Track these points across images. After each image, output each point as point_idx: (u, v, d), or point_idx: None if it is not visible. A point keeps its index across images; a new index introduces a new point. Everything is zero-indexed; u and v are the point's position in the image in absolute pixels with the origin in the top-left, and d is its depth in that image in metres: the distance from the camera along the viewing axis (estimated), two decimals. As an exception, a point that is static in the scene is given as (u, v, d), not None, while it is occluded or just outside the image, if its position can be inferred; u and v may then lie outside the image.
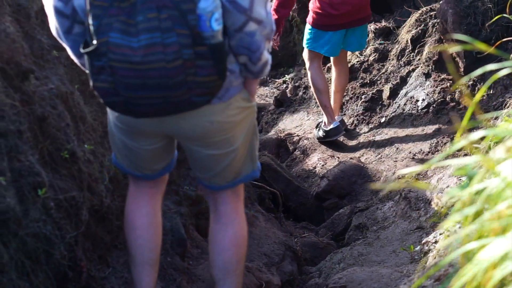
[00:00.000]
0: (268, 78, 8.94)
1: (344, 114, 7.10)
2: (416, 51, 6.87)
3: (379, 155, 6.23)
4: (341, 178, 5.88)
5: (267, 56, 2.91)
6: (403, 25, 7.20)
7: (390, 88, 6.86)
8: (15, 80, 2.83)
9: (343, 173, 5.92)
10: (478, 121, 2.16)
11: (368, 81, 7.23)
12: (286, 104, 8.10)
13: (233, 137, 3.00)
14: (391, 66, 7.05)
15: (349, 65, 7.26)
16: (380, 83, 7.08)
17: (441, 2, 6.41)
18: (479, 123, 4.18)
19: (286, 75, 8.83)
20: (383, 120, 6.71)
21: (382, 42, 7.41)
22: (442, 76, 6.35)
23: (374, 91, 7.04)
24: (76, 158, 3.12)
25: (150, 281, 3.21)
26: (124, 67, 2.59)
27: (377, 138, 6.52)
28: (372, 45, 7.41)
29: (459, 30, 6.09)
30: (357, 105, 7.11)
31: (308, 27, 6.48)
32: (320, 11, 6.22)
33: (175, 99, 2.69)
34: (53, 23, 2.81)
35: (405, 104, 6.64)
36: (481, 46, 1.66)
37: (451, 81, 6.28)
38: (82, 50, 2.64)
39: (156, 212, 3.27)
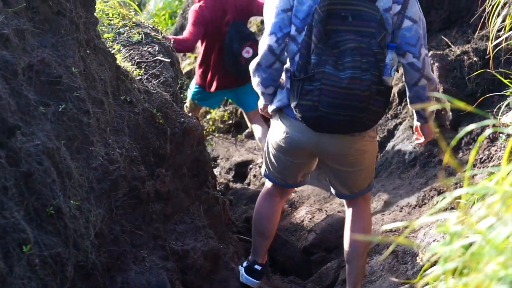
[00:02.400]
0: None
1: None
2: (403, 104, 6.92)
3: (367, 208, 6.22)
4: (328, 231, 5.86)
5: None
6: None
7: (378, 141, 6.89)
8: (1, 136, 2.84)
9: (331, 226, 5.90)
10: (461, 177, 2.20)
11: (356, 134, 7.25)
12: (274, 157, 8.11)
13: (362, 159, 4.22)
14: (378, 120, 7.09)
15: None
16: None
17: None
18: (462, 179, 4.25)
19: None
20: (371, 172, 6.72)
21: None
22: (429, 129, 6.39)
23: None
24: (61, 214, 3.11)
25: (263, 246, 4.79)
26: (332, 90, 3.73)
27: (365, 191, 6.51)
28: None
29: (445, 83, 6.17)
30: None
31: None
32: None
33: (356, 119, 3.82)
34: (259, 58, 4.09)
35: (392, 157, 6.66)
36: (460, 104, 1.69)
37: (438, 134, 6.32)
38: (296, 78, 3.86)
39: (277, 212, 4.76)
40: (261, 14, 6.54)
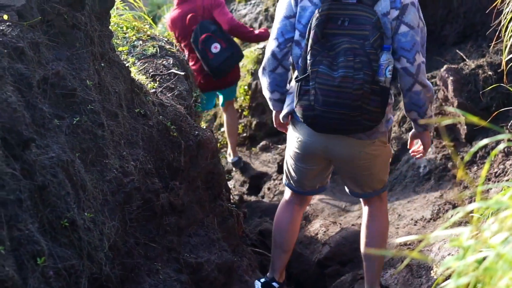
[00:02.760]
0: (270, 144, 8.98)
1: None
2: (417, 117, 6.90)
3: (381, 222, 6.21)
4: (343, 245, 5.84)
5: (430, 113, 4.18)
6: (404, 92, 7.24)
7: (392, 154, 6.87)
8: (16, 149, 2.85)
9: (345, 239, 5.89)
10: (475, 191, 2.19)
11: (371, 147, 7.24)
12: (288, 170, 8.12)
13: (374, 164, 4.35)
14: (393, 133, 7.07)
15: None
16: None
17: (441, 69, 6.46)
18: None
19: (288, 141, 8.85)
20: (385, 186, 6.71)
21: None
22: (444, 143, 6.38)
23: (376, 157, 7.06)
24: (76, 226, 3.12)
25: (282, 261, 4.84)
26: (325, 88, 3.85)
27: (379, 204, 6.50)
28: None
29: (460, 97, 6.15)
30: (359, 171, 7.12)
31: None
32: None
33: (351, 118, 3.88)
34: (264, 62, 4.29)
35: (407, 171, 6.65)
36: (474, 119, 1.69)
37: (452, 147, 6.30)
38: (296, 79, 4.03)
39: (296, 221, 4.82)
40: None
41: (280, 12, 4.16)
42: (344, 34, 3.87)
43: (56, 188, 3.05)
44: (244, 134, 9.48)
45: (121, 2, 5.88)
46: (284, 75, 4.28)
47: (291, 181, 4.66)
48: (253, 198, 7.90)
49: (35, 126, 3.10)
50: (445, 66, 6.41)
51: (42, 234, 2.90)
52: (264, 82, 4.36)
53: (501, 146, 1.63)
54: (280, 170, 8.13)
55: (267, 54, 4.23)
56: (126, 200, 3.77)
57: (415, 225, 5.87)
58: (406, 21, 3.91)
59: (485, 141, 1.64)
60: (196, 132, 4.70)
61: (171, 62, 5.32)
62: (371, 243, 4.60)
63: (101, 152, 3.62)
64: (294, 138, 4.40)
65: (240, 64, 8.01)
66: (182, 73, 5.21)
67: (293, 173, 4.58)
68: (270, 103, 4.48)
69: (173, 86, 5.04)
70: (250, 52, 9.51)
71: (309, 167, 4.48)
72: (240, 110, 9.62)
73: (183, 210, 4.40)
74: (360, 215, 6.52)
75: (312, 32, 3.89)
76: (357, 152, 4.22)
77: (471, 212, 1.74)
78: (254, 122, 9.42)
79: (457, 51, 7.09)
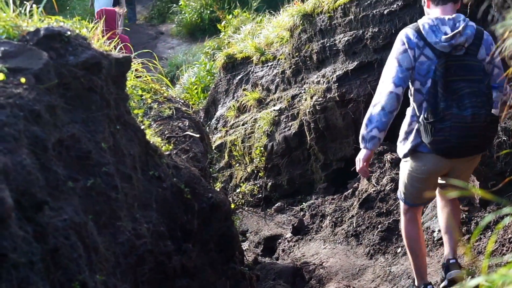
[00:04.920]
0: (285, 206, 8.98)
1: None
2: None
3: (395, 286, 6.17)
4: (356, 308, 5.81)
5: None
6: (419, 156, 7.25)
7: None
8: (29, 211, 2.87)
9: (358, 304, 5.86)
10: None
11: (385, 211, 7.23)
12: (303, 232, 8.10)
13: (471, 170, 5.52)
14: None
15: (366, 194, 7.32)
16: (396, 213, 7.07)
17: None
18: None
19: (303, 203, 8.84)
20: (399, 250, 6.67)
21: (398, 172, 7.45)
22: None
23: (390, 221, 7.04)
24: (87, 289, 3.12)
25: (425, 264, 5.61)
26: (459, 126, 4.72)
27: (393, 269, 6.47)
28: (389, 175, 7.46)
29: (474, 161, 6.13)
30: (373, 234, 7.09)
31: None
32: None
33: (478, 144, 4.95)
34: (383, 103, 4.94)
35: (421, 234, 6.62)
36: (481, 193, 1.70)
37: (466, 212, 6.28)
38: (427, 120, 4.81)
39: (422, 230, 5.65)
40: None
41: (401, 63, 4.94)
42: (462, 80, 4.75)
43: (68, 251, 3.06)
44: (259, 195, 9.48)
45: (139, 63, 5.96)
46: (393, 118, 5.03)
47: (413, 199, 5.47)
48: (267, 259, 7.87)
49: (49, 188, 3.13)
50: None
51: (53, 296, 2.91)
52: (376, 120, 4.99)
53: (507, 220, 1.64)
54: (295, 232, 8.11)
55: (390, 96, 4.93)
56: (138, 262, 3.77)
57: (430, 290, 5.82)
58: (496, 64, 5.03)
59: (489, 217, 1.65)
60: (210, 195, 4.72)
61: (187, 124, 5.37)
62: (448, 224, 5.55)
63: (114, 214, 3.64)
64: (418, 166, 5.21)
65: (256, 125, 8.04)
66: (197, 135, 5.26)
67: (414, 194, 5.39)
68: (370, 143, 5.07)
69: (188, 148, 5.08)
70: (266, 113, 9.55)
71: (430, 182, 5.32)
72: (255, 171, 9.64)
73: (195, 273, 4.39)
74: (374, 279, 6.51)
75: (439, 83, 4.76)
76: (473, 163, 5.31)
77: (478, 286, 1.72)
78: (270, 183, 9.42)
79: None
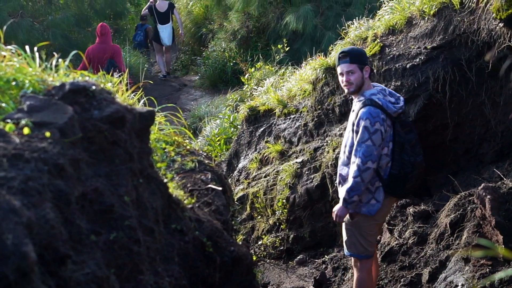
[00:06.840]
0: (307, 258, 8.94)
1: None
2: (455, 235, 6.86)
3: None
4: None
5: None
6: (442, 209, 7.23)
7: (429, 272, 6.80)
8: (51, 265, 2.89)
9: None
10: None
11: (407, 264, 7.19)
12: (325, 285, 8.06)
13: None
14: (430, 250, 7.03)
15: (388, 247, 7.28)
16: (419, 267, 7.03)
17: (479, 187, 6.45)
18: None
19: (325, 256, 8.82)
20: (422, 304, 6.62)
21: (421, 225, 7.42)
22: (482, 262, 6.30)
23: (413, 275, 7.00)
24: None
25: None
26: (418, 169, 6.19)
27: (416, 323, 6.42)
28: (411, 228, 7.43)
29: (498, 216, 6.10)
30: (396, 288, 7.05)
31: None
32: None
33: (418, 184, 6.26)
34: (362, 177, 6.02)
35: (444, 289, 6.56)
36: (504, 252, 1.70)
37: (490, 267, 6.23)
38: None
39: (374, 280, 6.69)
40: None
41: (375, 142, 5.98)
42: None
43: (90, 305, 3.07)
44: (281, 248, 9.46)
45: (163, 116, 6.01)
46: None
47: (369, 251, 6.33)
48: (289, 313, 7.82)
49: (72, 242, 3.15)
50: (482, 185, 6.39)
51: None
52: (357, 192, 6.09)
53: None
54: (317, 285, 8.07)
55: (369, 172, 6.04)
56: (160, 316, 3.76)
57: None
58: None
59: (501, 274, 1.65)
60: (232, 248, 4.72)
61: (209, 176, 5.39)
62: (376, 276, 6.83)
63: (136, 268, 3.64)
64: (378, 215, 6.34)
65: (278, 177, 8.07)
66: (220, 188, 5.27)
67: (372, 241, 6.33)
68: (350, 205, 6.18)
69: (210, 201, 5.08)
70: (288, 165, 9.58)
71: (376, 232, 6.38)
72: (277, 224, 9.63)
73: (217, 326, 4.38)
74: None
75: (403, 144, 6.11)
76: None
77: None
78: (292, 236, 9.41)
79: (495, 169, 7.09)
